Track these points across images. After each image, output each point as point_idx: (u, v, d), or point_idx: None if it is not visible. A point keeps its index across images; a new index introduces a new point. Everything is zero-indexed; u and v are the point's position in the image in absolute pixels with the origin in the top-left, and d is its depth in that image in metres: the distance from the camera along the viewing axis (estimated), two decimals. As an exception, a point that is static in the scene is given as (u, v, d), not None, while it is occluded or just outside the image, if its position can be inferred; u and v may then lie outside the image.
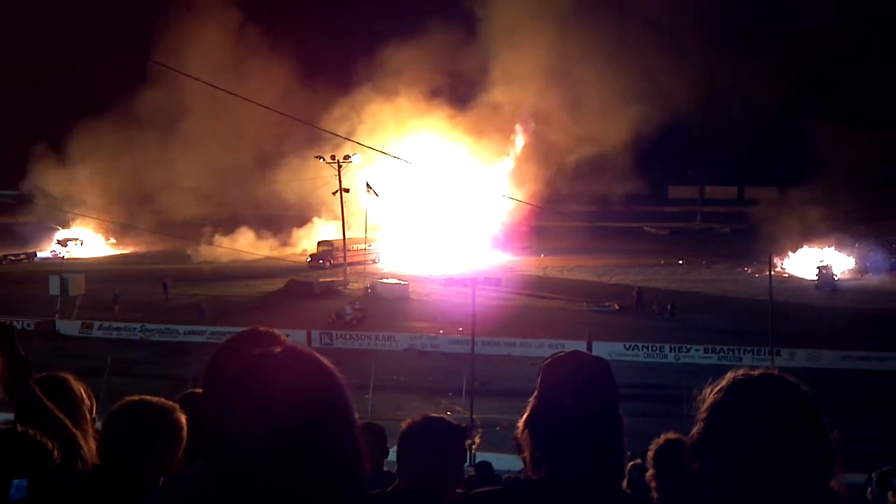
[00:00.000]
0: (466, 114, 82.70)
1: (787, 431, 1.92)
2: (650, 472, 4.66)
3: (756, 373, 2.05)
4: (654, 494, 4.53)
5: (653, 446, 4.70)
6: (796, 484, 1.90)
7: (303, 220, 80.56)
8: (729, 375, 2.05)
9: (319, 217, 78.41)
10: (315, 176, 70.14)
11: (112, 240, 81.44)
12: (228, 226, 78.68)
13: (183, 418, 3.12)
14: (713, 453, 1.96)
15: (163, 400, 3.19)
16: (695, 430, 2.04)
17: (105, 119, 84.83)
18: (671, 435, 4.65)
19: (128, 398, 3.19)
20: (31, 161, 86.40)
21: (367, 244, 71.12)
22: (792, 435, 1.92)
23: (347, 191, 64.93)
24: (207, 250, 69.12)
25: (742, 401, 1.97)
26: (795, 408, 1.96)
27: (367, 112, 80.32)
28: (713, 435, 1.98)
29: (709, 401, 2.03)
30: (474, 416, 27.15)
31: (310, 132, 60.56)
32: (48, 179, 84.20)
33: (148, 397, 3.19)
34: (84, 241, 77.75)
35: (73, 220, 75.31)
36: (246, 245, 71.87)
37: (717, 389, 2.04)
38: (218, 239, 71.86)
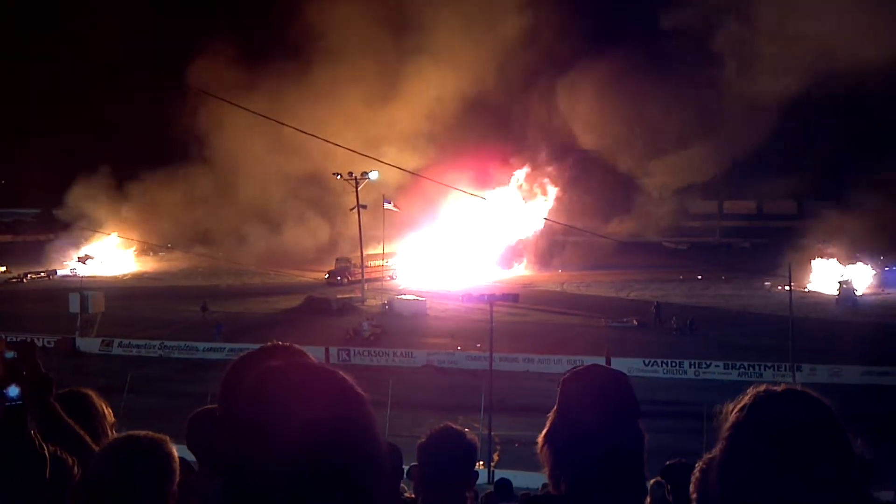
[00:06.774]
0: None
1: (812, 451, 1.82)
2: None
3: (779, 389, 1.94)
4: None
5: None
6: None
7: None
8: (751, 391, 1.94)
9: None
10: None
11: (155, 253, 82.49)
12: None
13: (174, 450, 2.94)
14: (736, 475, 1.87)
15: (151, 433, 2.98)
16: (716, 450, 1.95)
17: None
18: None
19: (114, 436, 3.09)
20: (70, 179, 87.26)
21: (384, 260, 71.19)
22: (817, 455, 1.81)
23: (365, 207, 65.11)
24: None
25: (765, 419, 1.87)
26: (820, 426, 1.86)
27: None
28: (736, 456, 1.88)
29: (731, 419, 1.92)
30: (493, 433, 27.04)
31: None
32: (81, 195, 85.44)
33: (135, 432, 2.97)
34: (106, 258, 77.64)
35: (96, 236, 75.56)
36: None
37: (738, 407, 1.93)
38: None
